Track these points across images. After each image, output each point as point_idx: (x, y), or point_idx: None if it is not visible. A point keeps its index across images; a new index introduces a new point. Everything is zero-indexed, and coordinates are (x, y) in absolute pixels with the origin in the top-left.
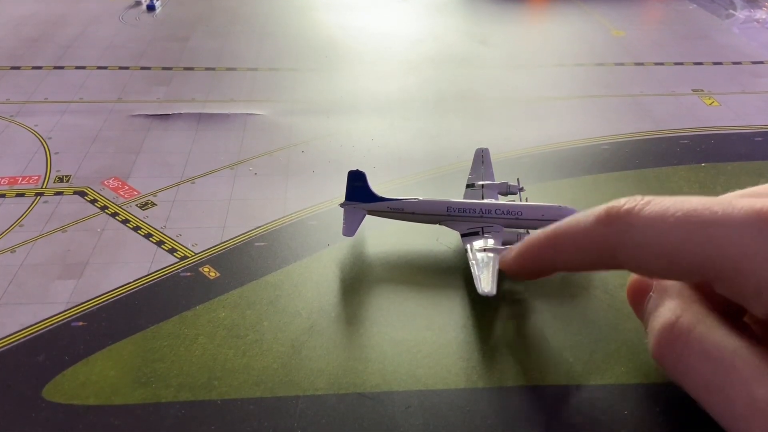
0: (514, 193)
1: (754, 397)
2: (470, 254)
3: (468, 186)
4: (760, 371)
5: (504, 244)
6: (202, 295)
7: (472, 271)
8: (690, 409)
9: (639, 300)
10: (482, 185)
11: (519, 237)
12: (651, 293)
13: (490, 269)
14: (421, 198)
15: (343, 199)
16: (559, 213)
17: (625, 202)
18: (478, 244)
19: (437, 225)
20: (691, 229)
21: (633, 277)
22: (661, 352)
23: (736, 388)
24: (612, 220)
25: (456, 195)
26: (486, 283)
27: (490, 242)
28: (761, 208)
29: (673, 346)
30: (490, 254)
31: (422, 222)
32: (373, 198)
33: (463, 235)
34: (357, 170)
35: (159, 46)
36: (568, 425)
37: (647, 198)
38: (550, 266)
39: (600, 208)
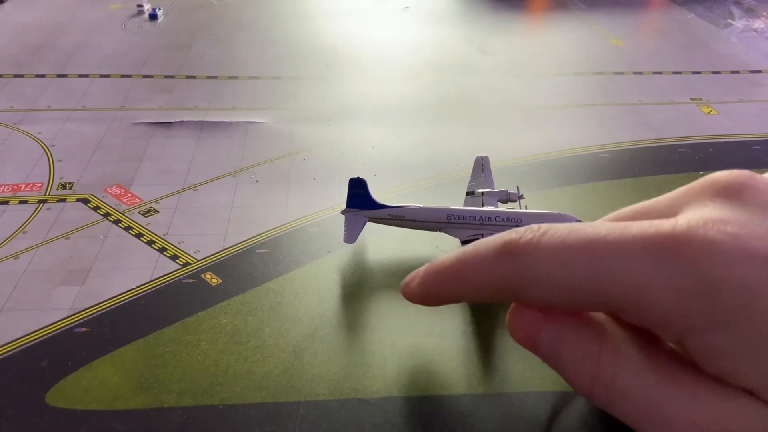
0: (514, 201)
1: (694, 422)
2: None
3: (468, 193)
4: (694, 395)
5: None
6: (204, 301)
7: None
8: None
9: (528, 334)
10: (482, 193)
11: None
12: (546, 327)
13: None
14: (421, 205)
15: (344, 206)
16: (563, 218)
17: (521, 235)
18: None
19: (437, 232)
20: (589, 261)
21: (513, 308)
22: (594, 399)
23: (675, 421)
24: (510, 256)
25: (456, 202)
26: None
27: None
28: (654, 233)
29: (602, 397)
30: None
31: (423, 229)
32: (374, 205)
33: (463, 242)
34: (358, 177)
35: (161, 54)
36: (567, 431)
37: (543, 228)
38: (455, 296)
39: (498, 241)
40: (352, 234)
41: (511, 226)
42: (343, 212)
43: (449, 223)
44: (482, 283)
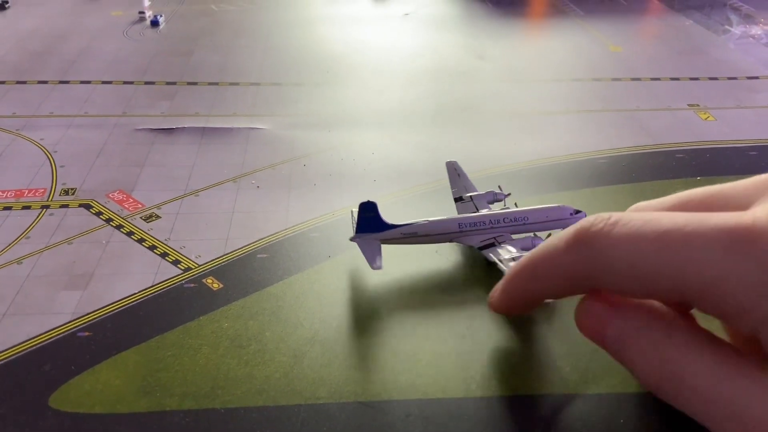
0: (501, 200)
1: (764, 415)
2: (501, 265)
3: (457, 200)
4: (764, 388)
5: (523, 249)
6: (205, 305)
7: None
8: (685, 419)
9: (596, 329)
10: (470, 197)
11: (533, 242)
12: (613, 322)
13: None
14: (430, 219)
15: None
16: (560, 212)
17: (591, 224)
18: (505, 254)
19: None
20: (666, 251)
21: (581, 304)
22: (661, 393)
23: (745, 414)
24: (581, 245)
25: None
26: None
27: (513, 250)
28: (734, 226)
29: (669, 391)
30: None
31: (436, 242)
32: (385, 226)
33: (480, 248)
34: (368, 201)
35: (163, 60)
36: None
37: (614, 218)
38: (534, 295)
39: (569, 232)
40: (375, 259)
41: (519, 225)
42: (352, 239)
43: (461, 231)
44: (556, 275)
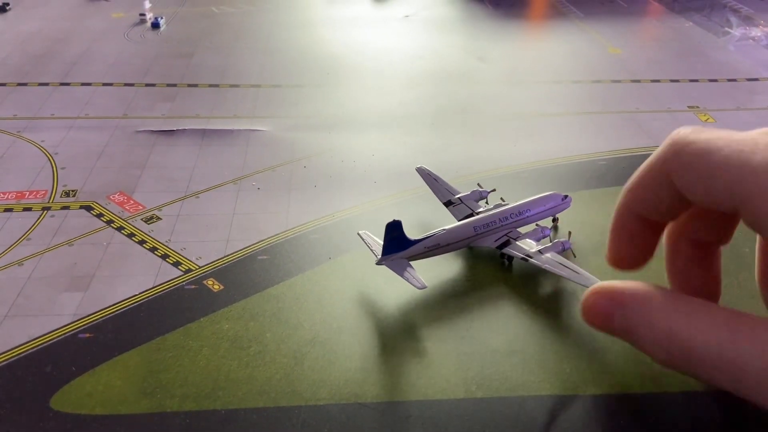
0: (485, 197)
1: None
2: (535, 261)
3: (447, 204)
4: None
5: (537, 241)
6: (206, 307)
7: (559, 273)
8: (685, 417)
9: (603, 317)
10: (459, 199)
11: (543, 232)
12: (618, 308)
13: (571, 266)
14: (446, 227)
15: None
16: (554, 199)
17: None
18: (529, 247)
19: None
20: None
21: (586, 297)
22: (674, 368)
23: (751, 363)
24: (674, 142)
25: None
26: (587, 278)
27: (533, 243)
28: None
29: (680, 363)
30: (548, 253)
31: (455, 250)
32: (408, 243)
33: (499, 247)
34: (394, 221)
35: (163, 62)
36: None
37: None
38: (636, 222)
39: (665, 142)
40: (417, 279)
41: (523, 218)
42: (378, 263)
43: (477, 235)
44: (648, 178)
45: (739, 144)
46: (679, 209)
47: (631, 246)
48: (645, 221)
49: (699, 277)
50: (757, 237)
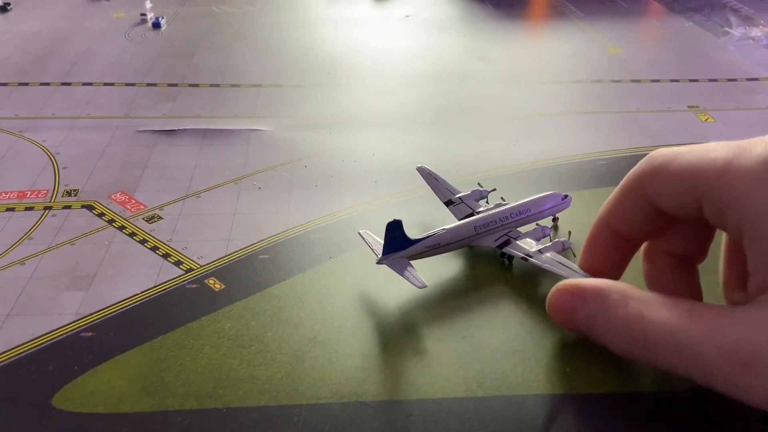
0: (485, 196)
1: (721, 346)
2: (535, 260)
3: (447, 203)
4: (718, 325)
5: (537, 240)
6: (207, 306)
7: (559, 273)
8: (683, 417)
9: (566, 315)
10: (460, 198)
11: (544, 231)
12: (579, 306)
13: (571, 265)
14: (447, 227)
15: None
16: (554, 199)
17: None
18: (529, 247)
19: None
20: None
21: (550, 297)
22: (633, 358)
23: (706, 352)
24: (648, 157)
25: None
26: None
27: (533, 242)
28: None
29: (638, 353)
30: (548, 253)
31: (456, 249)
32: (409, 242)
33: (499, 247)
34: (394, 220)
35: (164, 62)
36: None
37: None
38: (611, 237)
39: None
40: (417, 278)
41: (524, 218)
42: (379, 262)
43: (477, 234)
44: (624, 192)
45: (703, 149)
46: (653, 227)
47: (601, 259)
48: (620, 238)
49: (678, 294)
50: (723, 236)
